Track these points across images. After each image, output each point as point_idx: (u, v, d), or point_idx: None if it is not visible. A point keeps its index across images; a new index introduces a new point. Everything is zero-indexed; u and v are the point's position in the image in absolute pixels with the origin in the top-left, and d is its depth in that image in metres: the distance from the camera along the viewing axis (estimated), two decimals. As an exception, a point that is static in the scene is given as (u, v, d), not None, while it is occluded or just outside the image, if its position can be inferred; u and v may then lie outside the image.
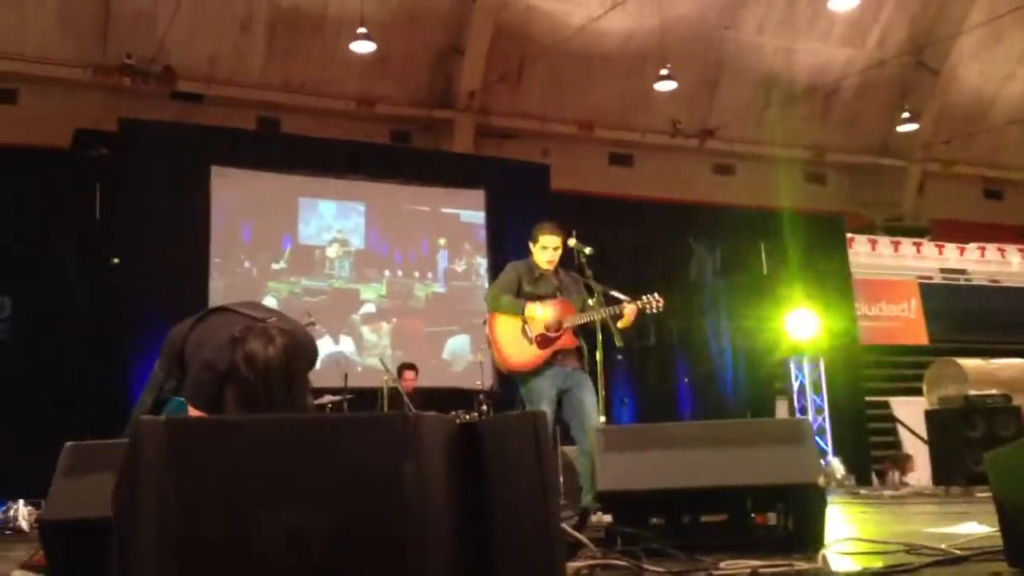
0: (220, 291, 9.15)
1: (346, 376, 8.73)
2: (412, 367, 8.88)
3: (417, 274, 10.37)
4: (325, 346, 9.73)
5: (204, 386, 3.10)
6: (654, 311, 5.55)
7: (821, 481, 3.49)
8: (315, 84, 13.47)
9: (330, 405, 8.10)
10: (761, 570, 2.76)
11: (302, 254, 9.86)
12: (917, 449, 10.76)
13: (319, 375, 9.01)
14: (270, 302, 9.53)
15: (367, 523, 1.63)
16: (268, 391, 2.75)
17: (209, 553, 1.56)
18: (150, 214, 9.11)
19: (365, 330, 10.00)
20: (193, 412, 3.21)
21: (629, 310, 5.44)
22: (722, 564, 2.90)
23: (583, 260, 5.58)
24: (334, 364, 9.52)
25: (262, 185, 9.70)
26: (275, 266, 9.74)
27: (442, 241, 10.52)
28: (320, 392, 8.27)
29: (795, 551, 3.28)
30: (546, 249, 5.54)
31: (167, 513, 1.56)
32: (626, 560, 2.86)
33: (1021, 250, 15.61)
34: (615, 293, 5.53)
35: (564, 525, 2.85)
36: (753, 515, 3.53)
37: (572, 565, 2.73)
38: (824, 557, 3.21)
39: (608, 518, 3.49)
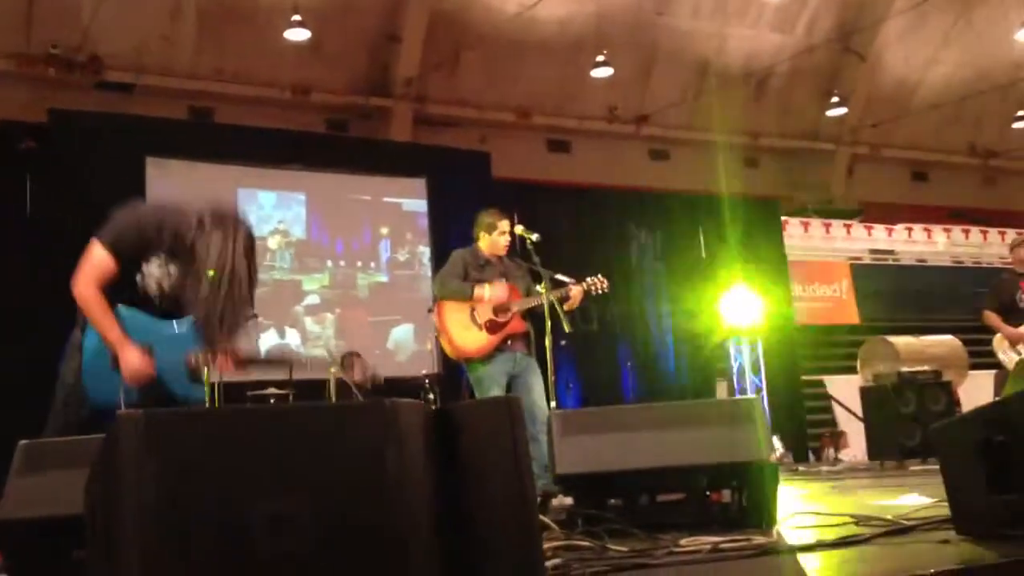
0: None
1: (291, 368, 8.66)
2: (356, 355, 8.85)
3: (360, 264, 10.31)
4: (268, 339, 9.64)
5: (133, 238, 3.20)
6: (599, 292, 5.65)
7: (773, 458, 3.58)
8: (248, 73, 13.25)
9: (273, 398, 8.04)
10: (722, 545, 2.82)
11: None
12: (852, 425, 11.05)
13: (263, 368, 8.99)
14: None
15: (352, 509, 1.64)
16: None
17: (194, 545, 1.55)
18: (84, 207, 8.88)
19: (308, 321, 9.92)
20: (99, 251, 3.20)
21: (575, 292, 5.53)
22: (682, 541, 2.96)
23: (530, 247, 5.65)
24: (278, 356, 9.46)
25: (200, 176, 9.54)
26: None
27: (384, 230, 10.48)
28: (264, 384, 8.19)
29: (750, 526, 3.38)
30: (504, 233, 5.63)
31: (148, 507, 1.55)
32: (590, 540, 2.90)
33: (946, 230, 16.08)
34: (560, 277, 5.60)
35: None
36: (708, 493, 3.61)
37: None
38: (778, 531, 3.30)
39: (569, 501, 3.54)
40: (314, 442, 1.67)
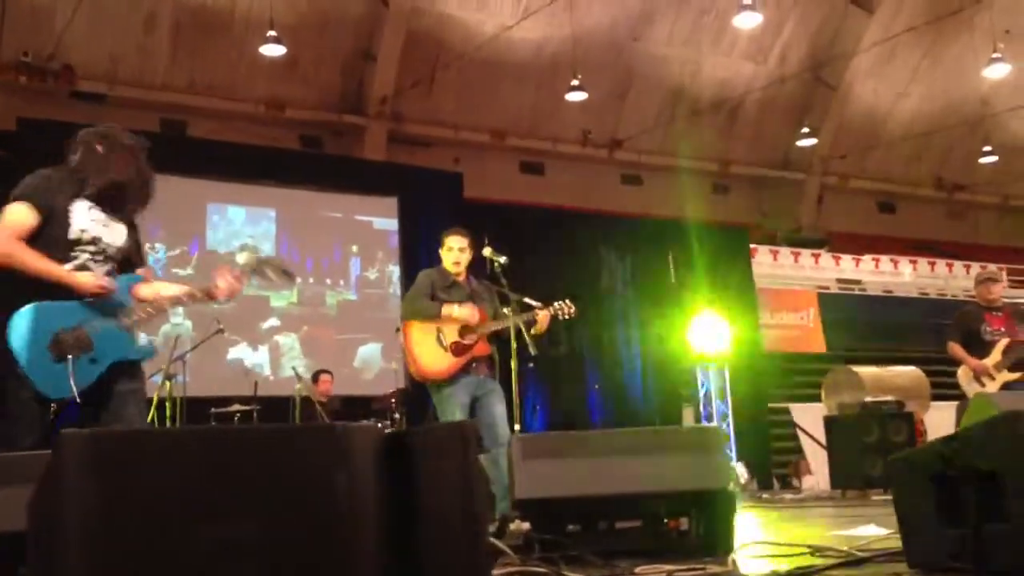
0: (123, 297, 8.90)
1: (256, 385, 8.61)
2: (325, 371, 8.81)
3: (329, 281, 10.27)
4: (234, 354, 9.57)
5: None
6: (566, 317, 5.65)
7: (731, 487, 3.59)
8: (223, 87, 13.23)
9: (238, 415, 7.97)
10: (676, 574, 2.83)
11: (210, 260, 9.66)
12: (816, 454, 11.11)
13: (226, 383, 8.93)
14: (177, 309, 9.32)
15: (299, 534, 1.63)
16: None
17: (137, 568, 1.53)
18: (50, 217, 8.80)
19: (275, 338, 9.86)
20: (8, 207, 3.28)
21: (542, 316, 5.52)
22: (638, 569, 2.96)
23: (498, 269, 5.64)
24: (242, 372, 9.38)
25: (169, 189, 9.39)
26: (182, 272, 9.52)
27: (354, 248, 10.45)
28: (228, 401, 8.13)
29: (707, 555, 3.38)
30: (451, 250, 5.57)
31: (91, 527, 1.53)
32: (545, 567, 2.90)
33: (912, 262, 16.29)
34: (528, 300, 5.60)
35: (484, 533, 2.87)
36: (666, 520, 3.61)
37: (493, 573, 2.76)
38: (734, 560, 3.31)
39: (527, 526, 3.53)
40: (263, 465, 1.65)
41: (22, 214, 3.24)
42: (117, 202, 3.45)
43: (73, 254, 3.29)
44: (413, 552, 1.83)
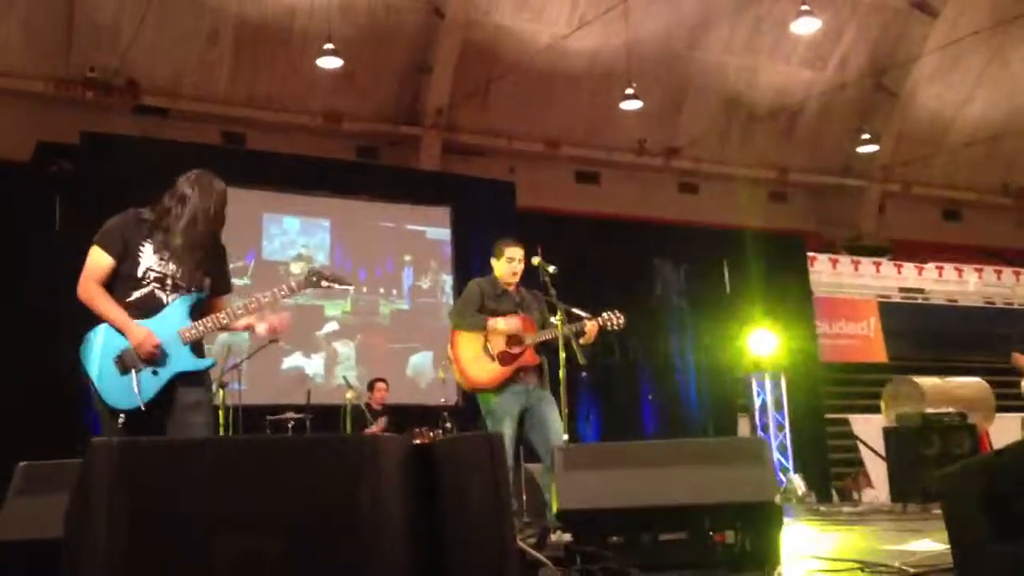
0: (182, 307, 9.07)
1: (309, 393, 8.71)
2: (382, 379, 8.88)
3: (382, 291, 10.34)
4: (289, 362, 9.69)
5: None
6: (615, 328, 5.61)
7: (777, 500, 3.53)
8: (281, 99, 13.44)
9: (292, 422, 8.07)
10: (718, 588, 2.79)
11: (266, 270, 9.79)
12: (876, 466, 10.87)
13: (281, 391, 9.05)
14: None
15: (321, 549, 1.64)
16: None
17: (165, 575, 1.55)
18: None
19: (329, 347, 9.96)
20: (91, 252, 3.62)
21: (591, 327, 5.49)
22: (680, 583, 2.92)
23: (547, 278, 5.62)
24: (296, 381, 9.49)
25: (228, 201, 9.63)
26: (238, 282, 9.65)
27: (408, 258, 10.51)
28: (282, 409, 8.24)
29: (752, 569, 3.33)
30: (512, 261, 5.58)
31: (117, 535, 1.56)
32: (585, 579, 2.87)
33: (978, 270, 15.88)
34: (576, 310, 5.57)
35: (523, 544, 2.86)
36: (712, 533, 3.56)
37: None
38: (780, 575, 3.25)
39: (568, 537, 3.50)
40: (288, 476, 1.67)
41: (98, 258, 3.61)
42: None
43: (142, 286, 3.62)
44: (440, 562, 1.83)
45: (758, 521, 3.49)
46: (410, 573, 1.75)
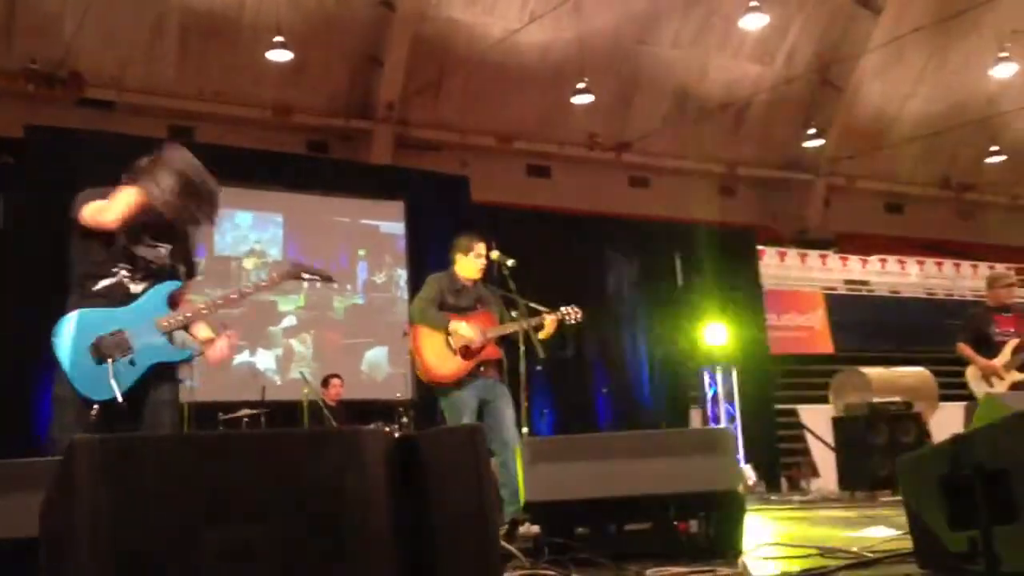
0: (132, 303, 8.93)
1: (263, 389, 8.63)
2: (336, 375, 8.83)
3: (336, 286, 10.28)
4: (242, 359, 9.59)
5: None
6: (574, 322, 5.66)
7: (741, 489, 3.60)
8: (230, 92, 13.27)
9: (246, 419, 7.99)
10: (686, 576, 2.83)
11: (218, 266, 9.68)
12: (824, 455, 11.08)
13: (234, 388, 8.95)
14: (184, 314, 9.35)
15: (311, 538, 1.64)
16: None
17: (149, 572, 1.54)
18: (58, 225, 8.80)
19: (283, 343, 9.88)
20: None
21: (549, 321, 5.53)
22: (648, 572, 2.97)
23: (506, 272, 5.65)
24: (250, 377, 9.39)
25: (176, 195, 9.49)
26: (190, 278, 9.55)
27: (362, 252, 10.46)
28: (236, 406, 8.15)
29: (716, 557, 3.39)
30: (480, 256, 5.62)
31: (103, 532, 1.54)
32: (555, 570, 2.90)
33: (919, 262, 16.24)
34: (535, 305, 5.61)
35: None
36: (676, 523, 3.61)
37: (503, 576, 2.76)
38: (743, 563, 3.31)
39: (536, 529, 3.53)
40: (274, 469, 1.66)
41: (129, 195, 3.40)
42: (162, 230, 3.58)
43: (113, 270, 3.46)
44: (425, 555, 1.84)
45: (721, 510, 3.55)
46: (396, 565, 1.76)
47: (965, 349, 7.32)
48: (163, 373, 3.47)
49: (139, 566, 1.54)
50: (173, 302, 3.55)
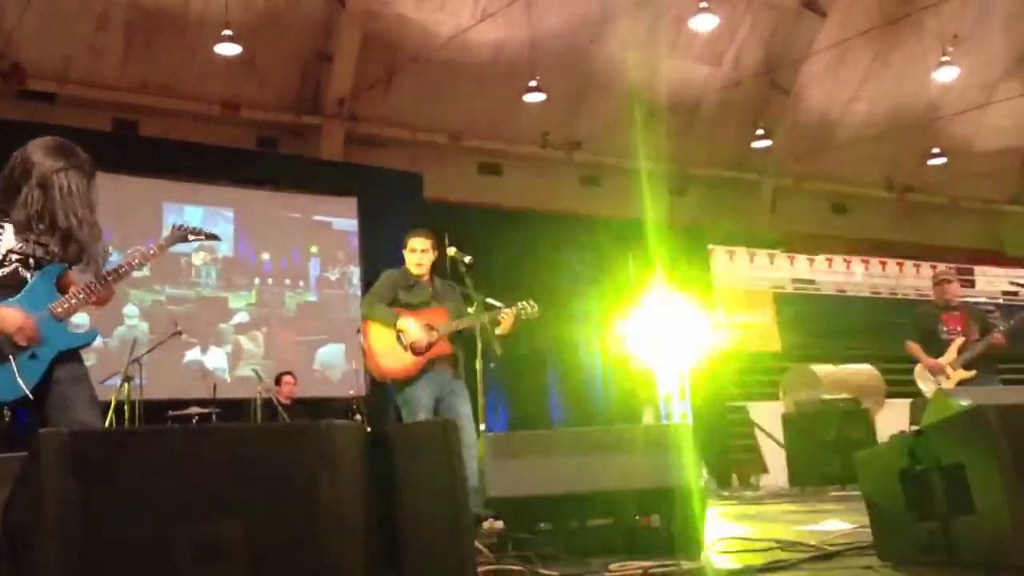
0: (77, 299, 8.74)
1: (215, 387, 8.51)
2: (288, 373, 8.73)
3: (288, 282, 10.16)
4: (192, 356, 9.43)
5: None
6: (530, 317, 5.67)
7: (702, 484, 3.62)
8: (177, 86, 13.01)
9: (196, 417, 7.86)
10: (652, 570, 2.84)
11: (166, 261, 9.51)
12: (774, 452, 11.23)
13: (183, 386, 8.80)
14: (132, 311, 9.17)
15: (284, 533, 1.60)
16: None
17: (118, 568, 1.50)
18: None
19: (234, 340, 9.73)
20: None
21: (507, 316, 5.54)
22: (612, 566, 2.97)
23: (463, 269, 5.64)
24: (199, 375, 9.24)
25: (124, 189, 9.32)
26: (138, 274, 9.32)
27: (314, 249, 10.36)
28: (186, 404, 8.01)
29: (679, 551, 3.40)
30: (414, 252, 5.60)
31: (72, 528, 1.49)
32: (521, 565, 2.89)
33: (864, 261, 16.53)
34: (492, 301, 5.60)
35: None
36: (638, 517, 3.63)
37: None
38: (707, 556, 3.33)
39: (500, 524, 3.52)
40: (246, 464, 1.63)
41: None
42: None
43: (3, 266, 3.31)
44: (399, 549, 1.81)
45: (682, 504, 3.57)
46: (370, 559, 1.73)
47: (913, 348, 7.47)
48: (66, 357, 3.32)
49: (107, 563, 1.49)
50: (62, 287, 3.40)
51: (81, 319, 8.89)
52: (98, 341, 8.83)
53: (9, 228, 3.32)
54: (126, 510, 1.53)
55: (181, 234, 3.71)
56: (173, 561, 1.53)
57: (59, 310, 3.32)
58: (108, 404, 7.05)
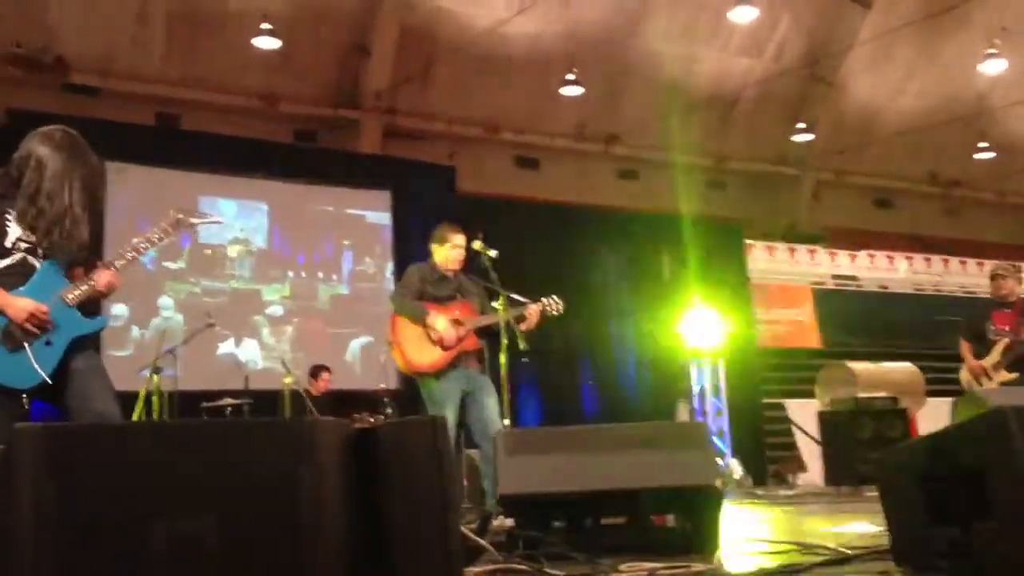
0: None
1: (247, 378, 8.57)
2: (326, 368, 8.78)
3: (321, 275, 10.22)
4: (226, 348, 9.52)
5: None
6: (555, 313, 5.63)
7: (718, 483, 3.56)
8: (216, 80, 13.14)
9: (229, 408, 7.93)
10: (659, 572, 2.79)
11: (201, 254, 9.61)
12: (811, 449, 11.08)
13: (217, 377, 8.88)
14: (167, 303, 9.28)
15: (262, 529, 1.59)
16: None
17: (94, 566, 1.49)
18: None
19: (267, 332, 9.81)
20: None
21: (531, 312, 5.51)
22: (622, 566, 2.93)
23: (487, 263, 5.62)
24: (233, 366, 9.33)
25: (161, 182, 9.42)
26: (173, 266, 9.47)
27: (347, 242, 10.39)
28: (219, 395, 8.09)
29: (693, 552, 3.35)
30: (457, 247, 5.60)
31: (46, 525, 1.49)
32: (527, 564, 2.86)
33: (908, 257, 16.24)
34: (516, 296, 5.57)
35: (465, 529, 2.84)
36: (653, 517, 3.58)
37: (473, 570, 2.72)
38: (720, 558, 3.28)
39: (510, 522, 3.49)
40: (224, 461, 1.61)
41: None
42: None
43: (12, 254, 3.32)
44: (382, 548, 1.79)
45: (698, 504, 3.51)
46: (352, 557, 1.71)
47: (962, 347, 7.21)
48: (81, 344, 3.34)
49: (82, 559, 1.48)
50: (72, 273, 3.41)
51: (120, 310, 9.04)
52: (135, 332, 8.99)
53: (13, 216, 3.34)
54: (101, 506, 1.52)
55: (184, 220, 3.71)
56: (149, 560, 1.51)
57: (69, 296, 3.33)
58: (138, 395, 7.15)
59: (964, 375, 7.26)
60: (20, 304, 3.21)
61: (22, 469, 1.49)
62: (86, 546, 1.50)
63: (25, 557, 1.47)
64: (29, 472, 1.49)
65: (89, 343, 3.41)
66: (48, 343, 3.25)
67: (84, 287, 3.36)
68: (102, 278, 3.40)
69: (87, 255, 3.52)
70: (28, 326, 3.20)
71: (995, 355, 6.96)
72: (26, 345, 3.19)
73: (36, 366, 3.18)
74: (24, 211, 3.32)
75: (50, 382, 3.20)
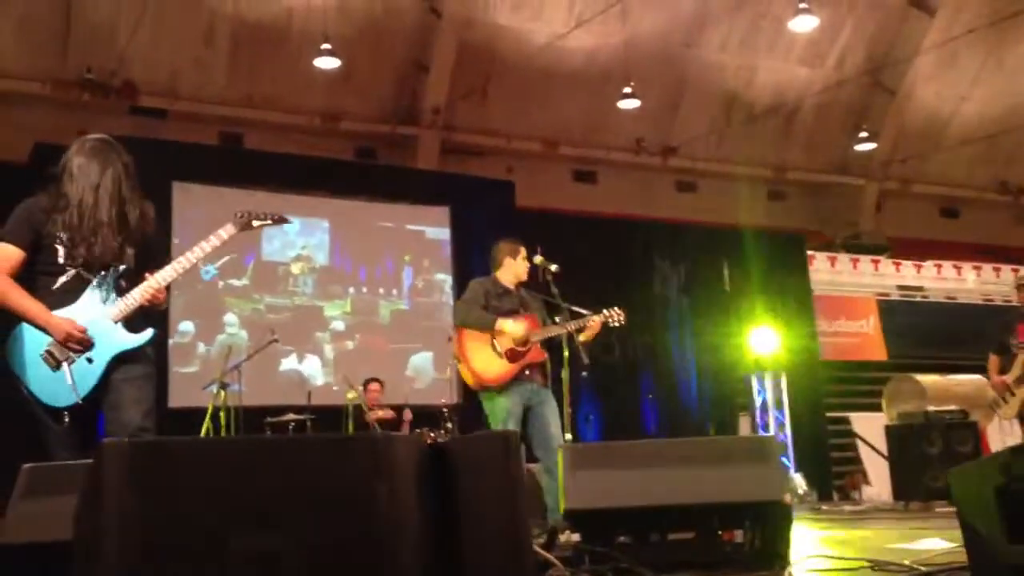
0: (180, 308, 9.05)
1: (309, 394, 8.69)
2: (377, 380, 8.85)
3: (382, 291, 10.31)
4: (288, 364, 9.66)
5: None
6: (617, 324, 5.61)
7: (787, 498, 3.51)
8: (279, 100, 13.40)
9: (292, 424, 8.04)
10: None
11: (265, 271, 9.76)
12: (877, 464, 10.86)
13: (280, 392, 9.01)
14: (231, 319, 9.44)
15: (339, 546, 1.61)
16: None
17: (176, 578, 1.53)
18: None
19: (329, 348, 9.93)
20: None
21: (593, 324, 5.50)
22: (689, 582, 2.90)
23: (549, 277, 5.63)
24: (296, 382, 9.46)
25: (225, 201, 9.59)
26: (237, 283, 9.63)
27: (407, 258, 10.48)
28: (283, 410, 8.20)
29: (762, 568, 3.30)
30: (526, 260, 5.63)
31: (130, 538, 1.53)
32: (594, 579, 2.85)
33: (976, 267, 15.87)
34: (577, 309, 5.57)
35: (534, 545, 2.84)
36: (720, 532, 3.53)
37: (541, 585, 2.72)
38: (791, 574, 3.23)
39: (576, 537, 3.48)
40: (303, 476, 1.64)
41: (6, 252, 3.30)
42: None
43: (65, 272, 3.35)
44: (456, 564, 1.80)
45: (767, 520, 3.46)
46: (426, 573, 1.72)
47: (990, 362, 6.89)
48: (127, 358, 3.35)
49: (166, 571, 1.52)
50: (120, 289, 3.40)
51: (186, 327, 9.23)
52: (200, 348, 9.15)
53: (63, 233, 3.34)
54: (183, 522, 1.55)
55: (245, 222, 3.65)
56: (230, 572, 1.55)
57: (112, 313, 3.35)
58: (206, 411, 7.29)
59: (989, 392, 6.95)
60: (60, 323, 3.25)
61: (108, 483, 1.54)
62: (168, 560, 1.53)
63: (113, 567, 1.51)
64: (115, 486, 1.54)
65: (140, 356, 3.41)
66: (90, 360, 3.29)
67: (130, 301, 3.37)
68: (145, 292, 3.39)
69: (154, 254, 3.51)
70: (69, 344, 3.24)
71: (1016, 369, 6.61)
72: (65, 365, 3.24)
73: (72, 385, 3.22)
74: (66, 224, 3.33)
75: (82, 403, 3.23)
